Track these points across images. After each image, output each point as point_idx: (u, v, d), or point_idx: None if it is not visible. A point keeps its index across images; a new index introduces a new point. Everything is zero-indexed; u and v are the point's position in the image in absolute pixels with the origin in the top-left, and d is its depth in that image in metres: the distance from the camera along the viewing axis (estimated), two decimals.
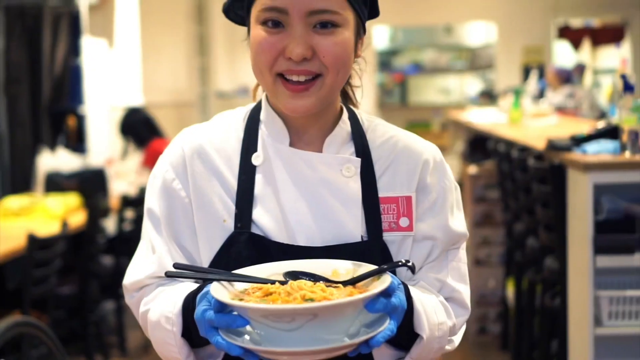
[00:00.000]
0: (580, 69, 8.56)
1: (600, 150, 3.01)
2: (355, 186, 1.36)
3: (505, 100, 6.70)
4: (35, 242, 3.83)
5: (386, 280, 1.17)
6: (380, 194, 1.37)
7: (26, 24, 6.70)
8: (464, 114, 7.09)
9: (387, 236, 1.36)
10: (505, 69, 10.25)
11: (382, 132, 1.43)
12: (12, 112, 6.73)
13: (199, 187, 1.38)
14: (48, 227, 4.30)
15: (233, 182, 1.38)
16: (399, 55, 11.11)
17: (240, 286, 1.21)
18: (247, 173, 1.38)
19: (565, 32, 10.42)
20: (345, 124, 1.41)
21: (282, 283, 1.19)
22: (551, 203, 3.24)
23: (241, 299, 1.16)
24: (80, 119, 6.76)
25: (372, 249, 1.34)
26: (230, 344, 1.15)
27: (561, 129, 4.50)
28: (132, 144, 5.79)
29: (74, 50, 6.79)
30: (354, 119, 1.43)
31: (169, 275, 1.27)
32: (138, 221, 5.16)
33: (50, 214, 4.72)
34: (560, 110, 7.01)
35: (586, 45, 10.94)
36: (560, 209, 3.13)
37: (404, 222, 1.37)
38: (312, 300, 1.12)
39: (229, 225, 1.36)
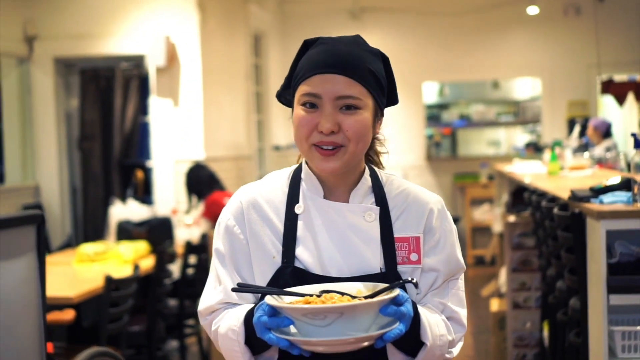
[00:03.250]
0: (606, 125, 8.76)
1: (615, 201, 3.28)
2: (375, 229, 1.72)
3: (548, 153, 6.96)
4: (111, 283, 4.22)
5: (396, 291, 1.55)
6: (395, 235, 1.73)
7: (100, 85, 7.21)
8: (509, 166, 7.36)
9: (401, 268, 1.72)
10: (550, 122, 10.47)
11: (397, 185, 1.80)
12: (85, 167, 7.22)
13: (254, 231, 1.75)
14: (120, 271, 4.70)
15: (280, 226, 1.74)
16: (448, 109, 11.37)
17: (287, 300, 1.59)
18: (291, 220, 1.74)
19: (609, 87, 10.58)
20: (367, 180, 1.77)
21: (318, 297, 1.57)
22: (573, 248, 3.52)
23: None
24: (148, 172, 7.20)
25: (388, 278, 1.68)
26: (280, 338, 1.52)
27: (593, 181, 4.75)
28: (195, 198, 6.21)
29: (143, 109, 7.26)
30: (374, 176, 1.79)
31: (235, 290, 1.65)
32: (200, 266, 5.57)
33: (122, 259, 5.13)
34: (600, 163, 7.21)
35: (630, 98, 11.09)
36: (580, 254, 3.41)
37: (413, 257, 1.73)
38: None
39: (277, 261, 1.72)
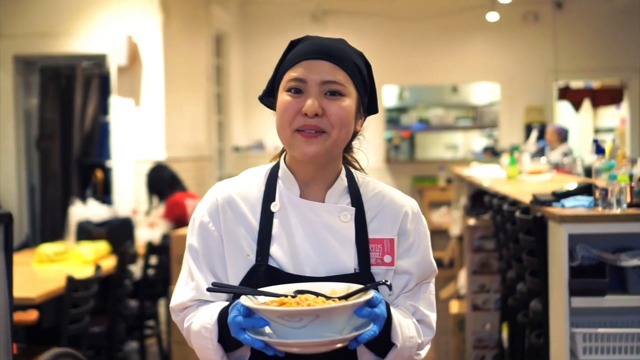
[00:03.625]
0: (565, 131, 8.93)
1: (576, 205, 3.34)
2: (350, 229, 1.73)
3: (506, 157, 7.05)
4: (73, 284, 4.19)
5: (370, 293, 1.56)
6: (370, 236, 1.74)
7: (60, 84, 7.12)
8: (467, 169, 7.43)
9: (374, 269, 1.73)
10: (508, 127, 10.60)
11: (372, 187, 1.81)
12: (44, 166, 7.14)
13: (229, 228, 1.75)
14: (81, 272, 4.65)
15: (255, 224, 1.75)
16: (407, 112, 11.45)
17: (261, 299, 1.60)
18: (266, 218, 1.75)
19: (566, 93, 10.76)
20: (343, 180, 1.78)
21: (293, 297, 1.58)
22: (535, 251, 3.57)
23: None
24: (108, 172, 7.15)
25: (362, 279, 1.69)
26: (255, 339, 1.52)
27: (553, 185, 4.83)
28: (156, 199, 6.16)
29: (103, 108, 7.19)
30: (350, 177, 1.80)
31: (210, 290, 1.64)
32: (160, 267, 5.55)
33: (82, 259, 5.08)
34: (558, 167, 7.33)
35: (586, 105, 11.28)
36: (542, 257, 3.47)
37: (387, 258, 1.74)
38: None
39: (251, 259, 1.72)
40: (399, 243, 1.76)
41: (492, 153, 10.24)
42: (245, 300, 1.56)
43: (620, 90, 10.94)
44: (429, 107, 11.39)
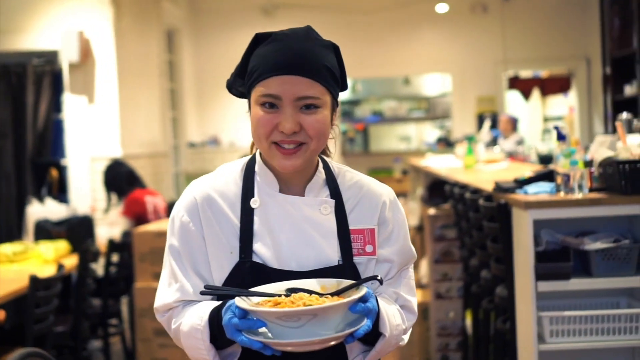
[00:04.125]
0: (513, 120, 9.07)
1: (539, 191, 3.40)
2: (331, 221, 1.74)
3: (460, 147, 7.13)
4: (37, 283, 4.14)
5: (363, 289, 1.58)
6: (351, 226, 1.75)
7: (10, 81, 7.00)
8: (423, 160, 7.47)
9: (357, 259, 1.74)
10: (460, 118, 10.73)
11: (349, 177, 1.82)
12: None
13: (210, 227, 1.73)
14: (42, 271, 4.59)
15: (236, 221, 1.73)
16: (361, 105, 11.51)
17: (254, 300, 1.60)
18: (247, 214, 1.73)
19: (516, 83, 10.92)
20: (321, 173, 1.78)
21: (287, 296, 1.58)
22: (499, 238, 3.61)
23: None
24: (62, 171, 7.06)
25: (345, 270, 1.70)
26: (252, 340, 1.52)
27: (510, 173, 4.90)
28: (115, 196, 6.10)
29: (56, 106, 7.09)
30: (327, 168, 1.81)
31: (203, 294, 1.64)
32: (122, 264, 5.51)
33: (42, 259, 5.00)
34: (512, 156, 7.45)
35: (536, 94, 11.46)
36: (507, 243, 3.52)
37: (369, 248, 1.75)
38: (311, 306, 1.54)
39: (235, 256, 1.71)
40: (379, 232, 1.78)
41: (445, 143, 10.36)
42: (240, 302, 1.56)
43: (567, 78, 11.14)
44: (382, 99, 11.46)
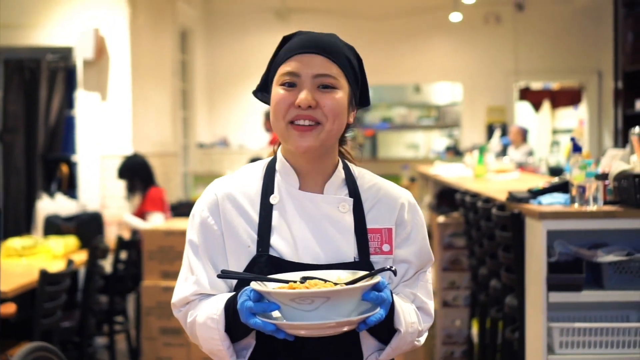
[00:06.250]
0: (524, 131, 9.08)
1: (553, 202, 3.40)
2: (349, 219, 1.76)
3: (470, 156, 7.15)
4: (46, 278, 4.16)
5: (377, 278, 1.59)
6: (368, 226, 1.77)
7: (24, 76, 7.02)
8: (431, 168, 7.49)
9: (373, 258, 1.76)
10: (470, 127, 10.73)
11: (369, 179, 1.84)
12: (7, 160, 7.03)
13: (229, 222, 1.76)
14: (51, 266, 4.61)
15: (255, 217, 1.76)
16: (370, 111, 11.52)
17: (270, 286, 1.61)
18: (266, 210, 1.76)
19: (526, 94, 10.92)
20: (340, 172, 1.81)
21: (301, 283, 1.60)
22: (511, 247, 3.61)
23: None
24: (73, 167, 7.08)
25: (362, 268, 1.71)
26: (266, 322, 1.54)
27: (522, 184, 4.91)
28: (138, 185, 6.06)
29: (69, 102, 7.11)
30: (347, 169, 1.83)
31: (219, 277, 1.67)
32: (130, 262, 5.52)
33: (51, 254, 5.02)
34: (521, 167, 7.45)
35: (546, 106, 11.46)
36: (519, 253, 3.53)
37: (385, 247, 1.77)
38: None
39: (252, 250, 1.74)
40: (397, 233, 1.79)
41: (454, 152, 10.35)
42: (255, 285, 1.58)
43: (578, 91, 11.13)
44: (392, 106, 11.46)
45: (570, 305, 3.40)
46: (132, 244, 5.47)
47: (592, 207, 3.26)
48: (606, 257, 3.23)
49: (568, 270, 3.27)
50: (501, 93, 10.66)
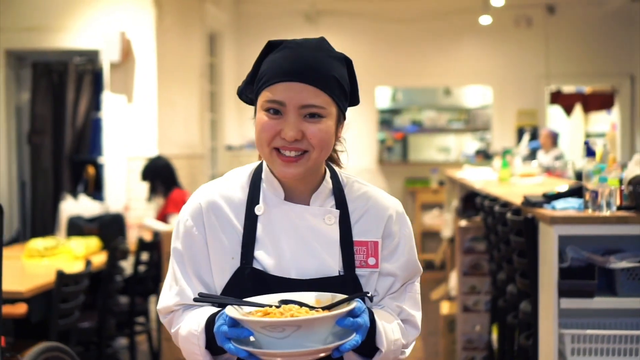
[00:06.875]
0: (554, 135, 8.97)
1: (567, 207, 3.35)
2: (334, 232, 1.73)
3: (498, 160, 7.09)
4: (63, 278, 4.19)
5: (352, 304, 1.57)
6: (354, 238, 1.75)
7: (52, 79, 7.11)
8: (459, 172, 7.46)
9: (358, 271, 1.73)
10: (500, 130, 10.64)
11: (357, 188, 1.81)
12: (35, 161, 7.12)
13: (213, 232, 1.74)
14: (71, 267, 4.65)
15: (239, 227, 1.74)
16: (401, 114, 11.47)
17: (246, 309, 1.61)
18: (250, 220, 1.74)
19: (558, 98, 10.80)
20: (327, 183, 1.78)
21: (277, 307, 1.59)
22: (525, 253, 3.59)
23: None
24: (99, 169, 7.15)
25: (346, 281, 1.70)
26: (239, 348, 1.54)
27: (544, 188, 4.85)
28: (160, 188, 6.10)
29: (95, 104, 7.18)
30: (335, 178, 1.80)
31: (196, 301, 1.66)
32: (152, 263, 5.54)
33: (72, 254, 5.07)
34: (549, 171, 7.36)
35: (578, 110, 11.32)
36: (532, 258, 3.49)
37: (371, 261, 1.75)
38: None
39: (236, 262, 1.72)
40: (384, 245, 1.77)
41: (484, 156, 10.27)
42: (230, 310, 1.58)
43: (611, 95, 10.98)
44: (422, 109, 11.40)
45: (582, 312, 3.36)
46: (153, 245, 5.50)
47: (605, 213, 3.21)
48: (619, 264, 3.18)
49: (580, 276, 3.23)
50: (532, 96, 10.56)
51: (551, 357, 3.25)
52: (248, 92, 1.78)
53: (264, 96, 1.67)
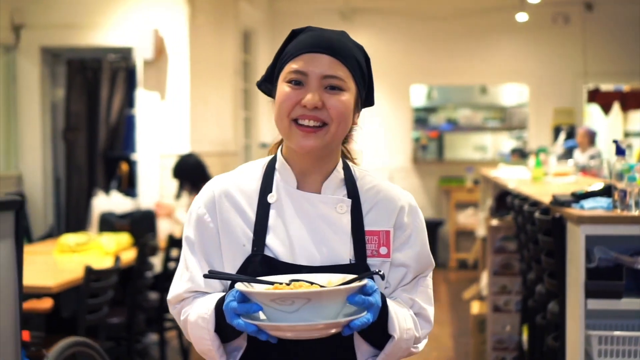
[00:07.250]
0: (591, 133, 8.85)
1: (595, 206, 3.29)
2: (346, 220, 1.74)
3: (533, 159, 7.01)
4: (91, 274, 4.22)
5: (364, 281, 1.56)
6: (366, 228, 1.75)
7: (86, 76, 7.19)
8: (494, 171, 7.39)
9: (370, 260, 1.73)
10: (536, 129, 10.52)
11: (369, 180, 1.82)
12: (69, 158, 7.20)
13: (225, 220, 1.75)
14: (101, 262, 4.69)
15: (252, 215, 1.75)
16: (436, 112, 11.42)
17: (257, 288, 1.60)
18: (263, 208, 1.75)
19: (596, 96, 10.64)
20: (339, 172, 1.79)
21: (287, 285, 1.58)
22: (553, 252, 3.54)
23: None
24: (132, 165, 7.20)
25: (358, 270, 1.69)
26: (248, 323, 1.53)
27: (576, 187, 4.78)
28: (187, 186, 6.14)
29: (129, 101, 7.25)
30: (347, 169, 1.81)
31: (206, 277, 1.66)
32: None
33: (103, 250, 5.12)
34: (584, 170, 7.27)
35: (616, 108, 11.15)
36: (560, 258, 3.43)
37: (383, 250, 1.74)
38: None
39: (247, 249, 1.73)
40: (396, 236, 1.77)
41: (520, 154, 10.17)
42: (240, 285, 1.58)
43: None
44: (458, 107, 11.33)
45: (610, 313, 3.30)
46: None
47: (633, 212, 3.14)
48: None
49: (608, 277, 3.17)
50: (569, 95, 10.42)
51: (578, 358, 3.20)
52: (268, 83, 1.81)
53: (287, 69, 1.71)
